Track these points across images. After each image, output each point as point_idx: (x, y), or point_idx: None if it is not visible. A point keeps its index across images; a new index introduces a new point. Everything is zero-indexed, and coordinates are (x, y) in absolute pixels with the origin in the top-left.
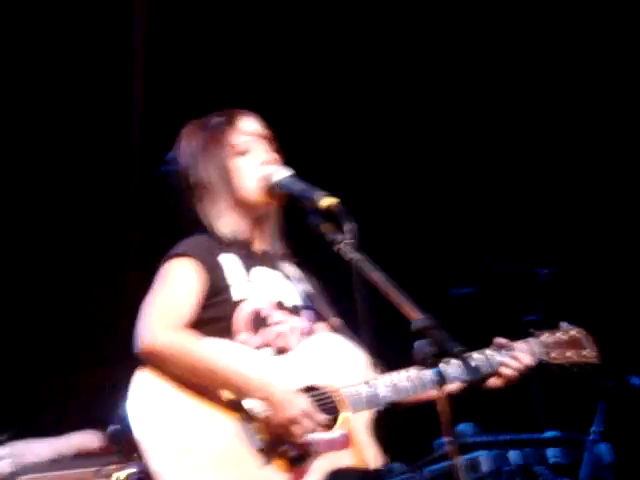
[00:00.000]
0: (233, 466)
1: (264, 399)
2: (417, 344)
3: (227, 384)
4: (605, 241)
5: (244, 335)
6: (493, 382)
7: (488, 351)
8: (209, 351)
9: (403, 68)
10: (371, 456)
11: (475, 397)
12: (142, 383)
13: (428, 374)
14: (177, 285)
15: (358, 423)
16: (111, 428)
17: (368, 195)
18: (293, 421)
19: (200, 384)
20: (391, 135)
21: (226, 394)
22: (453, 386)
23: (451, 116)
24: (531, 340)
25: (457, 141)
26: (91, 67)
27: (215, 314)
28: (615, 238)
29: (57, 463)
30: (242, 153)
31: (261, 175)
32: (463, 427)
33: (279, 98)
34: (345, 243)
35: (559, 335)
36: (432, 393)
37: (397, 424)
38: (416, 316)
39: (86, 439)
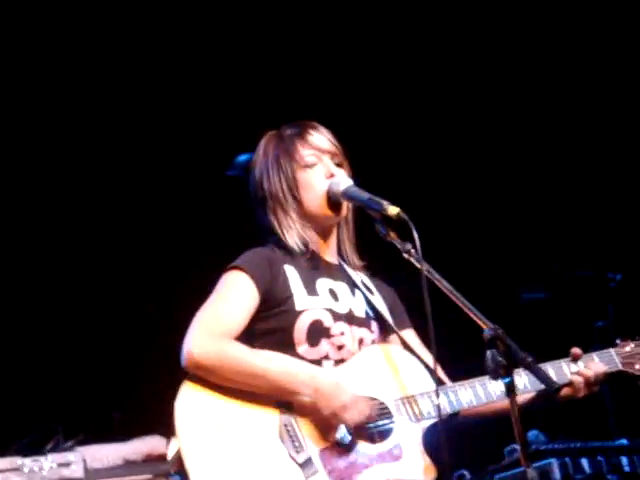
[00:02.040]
0: (272, 475)
1: (313, 392)
2: (487, 354)
3: (274, 385)
4: None
5: (304, 347)
6: (566, 392)
7: (563, 361)
8: (257, 355)
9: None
10: (422, 469)
11: (547, 408)
12: (188, 394)
13: (497, 384)
14: (228, 297)
15: (412, 435)
16: None
17: (439, 199)
18: (345, 408)
19: (246, 390)
20: (459, 136)
21: (274, 397)
22: (524, 397)
23: (522, 116)
24: (612, 350)
25: (529, 142)
26: None
27: (276, 325)
28: None
29: (126, 468)
30: (310, 166)
31: (326, 187)
32: (534, 434)
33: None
34: (413, 252)
35: None
36: (501, 404)
37: (468, 431)
38: (486, 325)
39: (153, 444)
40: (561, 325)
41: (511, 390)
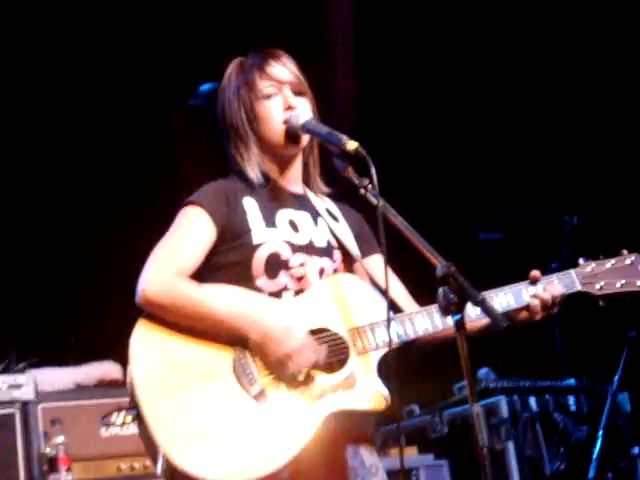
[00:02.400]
0: (225, 406)
1: (261, 336)
2: (439, 291)
3: (224, 324)
4: (632, 189)
5: (262, 279)
6: (523, 315)
7: (522, 284)
8: (207, 294)
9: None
10: (373, 399)
11: (498, 338)
12: (142, 330)
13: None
14: (183, 234)
15: (366, 365)
16: None
17: (396, 137)
18: (290, 356)
19: (198, 328)
20: (419, 73)
21: (224, 334)
22: (481, 322)
23: (483, 53)
24: (572, 271)
25: (490, 79)
26: None
27: (234, 258)
28: None
29: (77, 392)
30: (268, 98)
31: (284, 119)
32: (483, 372)
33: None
34: (370, 188)
35: (611, 263)
36: (451, 332)
37: (419, 366)
38: (439, 262)
39: (106, 369)
40: (516, 265)
41: (460, 328)
